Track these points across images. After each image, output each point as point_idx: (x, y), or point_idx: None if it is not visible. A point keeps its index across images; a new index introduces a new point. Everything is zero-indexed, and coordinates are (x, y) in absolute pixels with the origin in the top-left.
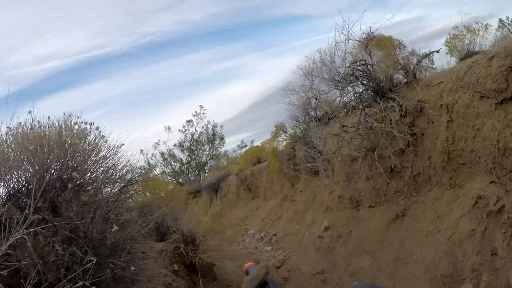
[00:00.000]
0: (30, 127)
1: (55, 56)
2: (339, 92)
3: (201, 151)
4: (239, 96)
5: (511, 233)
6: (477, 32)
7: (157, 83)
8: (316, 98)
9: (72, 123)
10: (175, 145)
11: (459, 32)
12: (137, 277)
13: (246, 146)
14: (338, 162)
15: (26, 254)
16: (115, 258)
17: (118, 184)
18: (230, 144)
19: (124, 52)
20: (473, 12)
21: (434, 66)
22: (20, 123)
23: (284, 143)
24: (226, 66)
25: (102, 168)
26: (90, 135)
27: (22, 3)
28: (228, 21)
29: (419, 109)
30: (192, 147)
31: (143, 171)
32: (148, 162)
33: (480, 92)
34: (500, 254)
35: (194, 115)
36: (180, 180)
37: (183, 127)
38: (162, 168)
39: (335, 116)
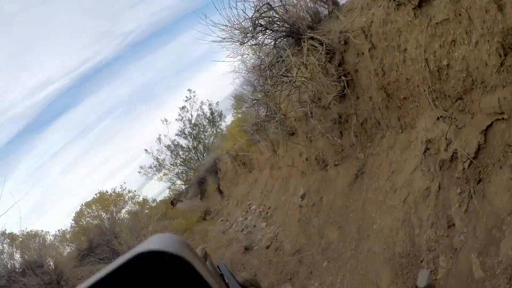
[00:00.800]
0: None
1: (47, 83)
2: (252, 51)
3: (205, 133)
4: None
5: (468, 193)
6: None
7: (152, 77)
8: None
9: None
10: (177, 135)
11: None
12: None
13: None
14: (294, 123)
15: None
16: None
17: None
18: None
19: (113, 57)
20: None
21: None
22: None
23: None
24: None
25: None
26: None
27: None
28: None
29: (343, 42)
30: (193, 132)
31: None
32: (157, 158)
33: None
34: (458, 227)
35: (186, 100)
36: (191, 166)
37: (179, 115)
38: (171, 161)
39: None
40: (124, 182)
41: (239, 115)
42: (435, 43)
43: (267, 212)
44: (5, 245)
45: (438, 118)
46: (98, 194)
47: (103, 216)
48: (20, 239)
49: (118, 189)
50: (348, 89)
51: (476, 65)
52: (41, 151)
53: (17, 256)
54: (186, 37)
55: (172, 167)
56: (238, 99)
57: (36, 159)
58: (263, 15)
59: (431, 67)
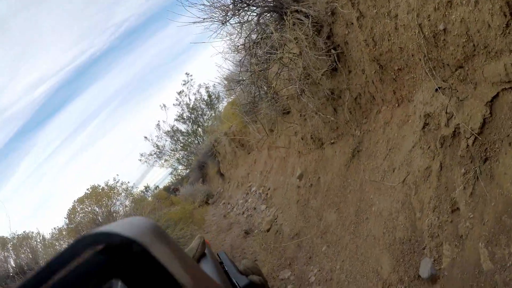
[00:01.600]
0: None
1: (43, 78)
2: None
3: (204, 116)
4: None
5: (473, 174)
6: None
7: (147, 64)
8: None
9: None
10: (176, 120)
11: None
12: None
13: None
14: (287, 101)
15: None
16: None
17: None
18: None
19: (108, 48)
20: None
21: None
22: None
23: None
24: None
25: None
26: None
27: None
28: None
29: (330, 13)
30: (192, 116)
31: None
32: (157, 145)
33: None
34: (463, 212)
35: (184, 84)
36: (191, 150)
37: (176, 100)
38: (171, 146)
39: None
40: (117, 174)
41: (232, 97)
42: (429, 6)
43: (267, 194)
44: None
45: (436, 90)
46: (90, 189)
47: (97, 210)
48: (11, 243)
49: (111, 182)
50: (339, 63)
51: (477, 28)
52: (40, 151)
53: (10, 260)
54: (181, 21)
55: (173, 152)
56: (230, 81)
57: (35, 159)
58: None
59: (426, 33)
